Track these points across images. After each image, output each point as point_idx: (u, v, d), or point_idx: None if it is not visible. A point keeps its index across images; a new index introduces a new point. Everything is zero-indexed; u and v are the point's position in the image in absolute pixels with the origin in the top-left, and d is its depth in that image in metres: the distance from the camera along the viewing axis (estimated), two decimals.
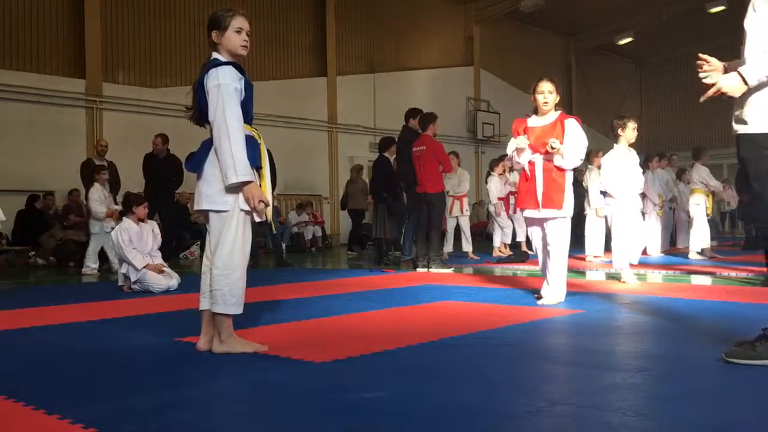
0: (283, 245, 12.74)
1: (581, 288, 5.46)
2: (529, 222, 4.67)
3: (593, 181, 8.68)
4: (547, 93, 4.49)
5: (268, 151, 8.66)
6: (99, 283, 7.13)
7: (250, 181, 2.91)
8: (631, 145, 6.08)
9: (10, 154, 11.34)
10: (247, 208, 2.94)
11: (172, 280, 5.92)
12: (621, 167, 5.95)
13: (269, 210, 3.03)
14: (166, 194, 8.93)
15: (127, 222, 6.08)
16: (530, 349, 3.11)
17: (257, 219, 3.01)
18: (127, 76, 13.10)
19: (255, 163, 3.01)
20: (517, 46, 21.20)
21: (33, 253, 9.96)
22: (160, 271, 5.92)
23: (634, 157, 6.06)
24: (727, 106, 2.82)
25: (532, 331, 3.57)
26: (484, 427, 1.90)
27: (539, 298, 4.61)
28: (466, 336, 3.36)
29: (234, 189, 2.93)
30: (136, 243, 5.99)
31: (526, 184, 4.57)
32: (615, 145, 6.12)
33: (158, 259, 6.04)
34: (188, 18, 13.73)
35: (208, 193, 2.98)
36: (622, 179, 5.93)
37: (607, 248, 8.75)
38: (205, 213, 3.03)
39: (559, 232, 4.48)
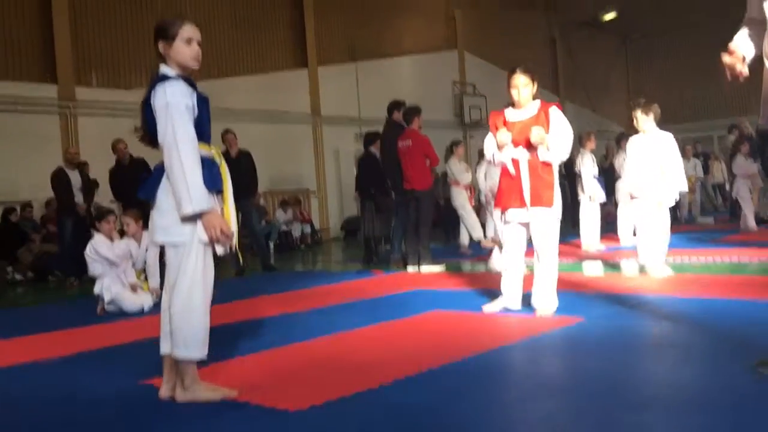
0: (271, 245, 12.48)
1: (578, 286, 5.17)
2: (510, 224, 4.24)
3: (586, 166, 8.39)
4: (521, 87, 4.15)
5: (247, 154, 8.25)
6: (73, 302, 6.80)
7: (209, 210, 2.61)
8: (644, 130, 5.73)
9: None
10: (206, 239, 2.64)
11: (147, 299, 5.62)
12: (631, 156, 5.76)
13: (234, 240, 2.72)
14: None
15: (99, 237, 5.77)
16: (526, 379, 2.83)
17: (219, 251, 2.71)
18: (100, 78, 12.68)
19: (214, 187, 2.72)
20: (500, 25, 20.79)
21: (10, 268, 9.63)
22: (134, 290, 5.64)
23: (647, 144, 5.66)
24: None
25: (527, 352, 3.28)
26: None
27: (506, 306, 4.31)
28: (456, 363, 3.05)
29: (192, 218, 2.62)
30: (112, 258, 5.67)
31: (508, 182, 4.20)
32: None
33: (132, 278, 5.73)
34: (157, 11, 13.27)
35: (163, 224, 2.67)
36: (631, 168, 5.73)
37: (602, 236, 8.57)
38: (161, 246, 2.73)
39: (550, 233, 4.13)
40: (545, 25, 22.99)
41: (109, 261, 5.65)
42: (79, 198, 8.34)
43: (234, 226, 2.75)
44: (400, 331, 4.01)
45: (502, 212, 4.30)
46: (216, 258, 2.76)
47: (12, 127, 11.31)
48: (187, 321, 2.63)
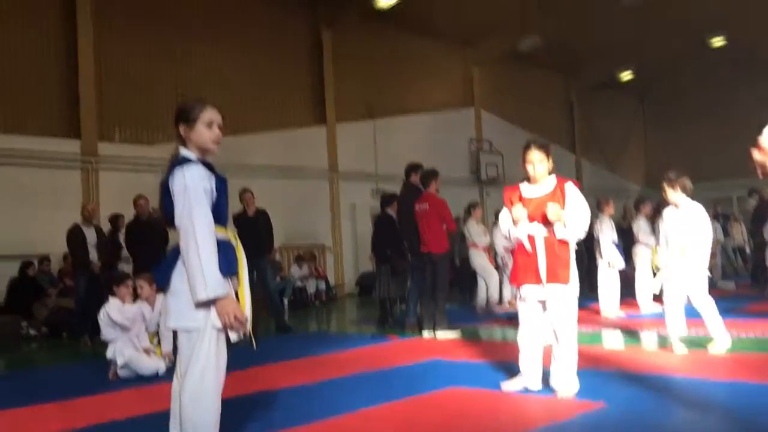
0: (285, 301, 12.42)
1: (599, 362, 5.01)
2: (526, 301, 4.16)
3: (605, 233, 8.31)
4: (536, 163, 4.11)
5: (264, 213, 8.22)
6: (86, 364, 6.74)
7: (224, 296, 2.57)
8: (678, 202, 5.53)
9: (3, 218, 11.06)
10: (220, 325, 2.60)
11: (161, 363, 5.55)
12: (663, 231, 5.63)
13: (248, 326, 2.68)
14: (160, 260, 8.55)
15: (113, 301, 5.75)
16: None
17: (233, 338, 2.66)
18: (123, 134, 12.89)
19: (230, 271, 2.69)
20: (517, 86, 21.05)
21: (25, 323, 9.61)
22: (147, 354, 5.59)
23: (677, 217, 5.48)
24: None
25: None
26: None
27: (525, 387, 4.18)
28: None
29: (206, 303, 2.58)
30: (122, 323, 5.64)
31: (524, 258, 4.12)
32: None
33: (145, 342, 5.68)
34: (184, 70, 13.56)
35: (176, 308, 2.64)
36: (663, 243, 5.61)
37: (621, 302, 8.41)
38: (175, 331, 2.69)
39: (567, 311, 4.03)
40: (562, 84, 23.24)
41: (121, 326, 5.62)
42: (93, 255, 8.35)
43: (248, 311, 2.71)
44: (414, 412, 3.88)
45: (518, 288, 4.22)
46: (229, 344, 2.71)
47: (34, 181, 11.48)
48: (197, 410, 2.56)
